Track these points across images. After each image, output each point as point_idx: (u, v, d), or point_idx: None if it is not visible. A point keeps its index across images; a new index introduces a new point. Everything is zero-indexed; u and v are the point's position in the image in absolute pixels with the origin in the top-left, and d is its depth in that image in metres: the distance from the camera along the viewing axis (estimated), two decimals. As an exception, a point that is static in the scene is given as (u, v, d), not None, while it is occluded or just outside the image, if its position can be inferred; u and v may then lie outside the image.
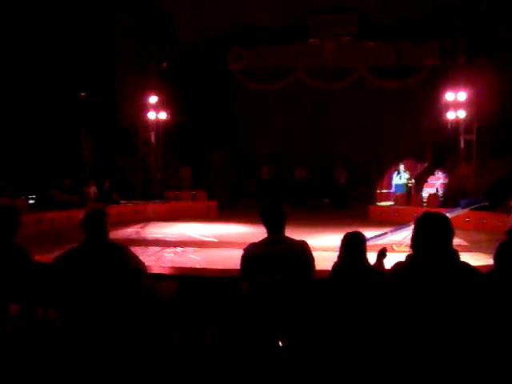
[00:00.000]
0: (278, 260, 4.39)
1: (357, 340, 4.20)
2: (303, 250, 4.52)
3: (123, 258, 4.35)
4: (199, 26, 19.87)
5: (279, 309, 4.31)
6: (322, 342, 4.32)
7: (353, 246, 4.74)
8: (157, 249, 12.66)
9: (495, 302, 3.56)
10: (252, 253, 4.53)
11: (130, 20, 20.17)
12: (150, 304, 4.47)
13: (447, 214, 4.17)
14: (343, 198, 20.72)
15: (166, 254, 12.13)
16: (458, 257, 3.53)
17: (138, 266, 4.49)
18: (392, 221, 15.39)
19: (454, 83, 18.84)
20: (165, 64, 20.62)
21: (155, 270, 6.44)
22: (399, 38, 20.69)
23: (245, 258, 4.56)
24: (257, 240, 4.64)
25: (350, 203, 20.47)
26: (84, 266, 4.20)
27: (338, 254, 4.83)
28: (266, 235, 4.58)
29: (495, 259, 3.82)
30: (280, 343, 4.15)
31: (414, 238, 3.61)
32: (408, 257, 3.66)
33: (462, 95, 18.46)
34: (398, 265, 3.71)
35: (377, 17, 19.91)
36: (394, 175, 19.11)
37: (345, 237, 4.81)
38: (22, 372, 4.02)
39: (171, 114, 20.53)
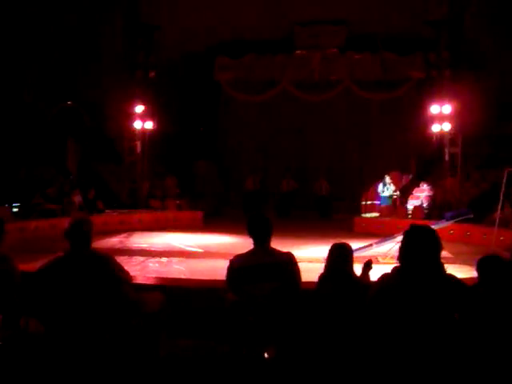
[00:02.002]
0: (265, 272, 4.39)
1: (343, 352, 4.19)
2: (289, 262, 4.52)
3: (107, 268, 4.31)
4: (186, 37, 19.86)
5: (265, 320, 4.30)
6: (307, 353, 4.31)
7: (340, 258, 4.75)
8: (141, 259, 12.57)
9: (480, 314, 3.57)
10: (238, 264, 4.52)
11: (116, 30, 20.13)
12: (135, 314, 4.43)
13: (432, 226, 4.18)
14: (326, 209, 20.74)
15: (151, 264, 12.05)
16: (444, 269, 3.54)
17: (123, 276, 4.46)
18: (377, 232, 15.42)
19: (439, 96, 18.96)
20: (152, 74, 20.59)
21: (140, 280, 6.40)
22: (385, 50, 20.83)
23: (231, 270, 4.55)
24: (242, 251, 4.63)
25: (334, 215, 20.49)
26: (68, 275, 4.16)
27: (324, 265, 4.84)
28: (251, 246, 4.58)
29: (478, 273, 3.86)
30: (265, 355, 4.14)
31: (401, 250, 3.62)
32: (394, 269, 3.67)
33: (447, 108, 18.59)
34: (385, 277, 3.71)
35: (363, 29, 20.03)
36: (380, 187, 19.15)
37: (332, 248, 4.81)
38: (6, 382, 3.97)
39: (157, 123, 20.49)
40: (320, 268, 4.87)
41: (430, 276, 3.47)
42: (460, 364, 3.39)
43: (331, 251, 4.79)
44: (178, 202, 19.98)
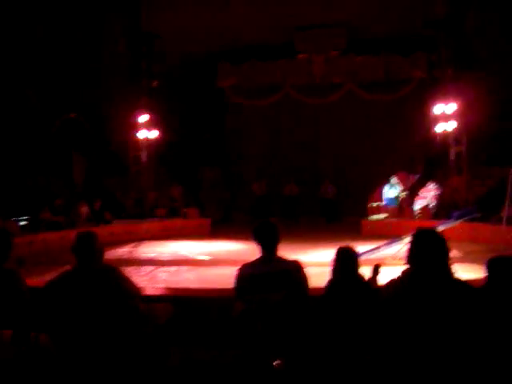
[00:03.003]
0: (272, 280, 4.37)
1: (353, 358, 4.17)
2: (297, 270, 4.51)
3: (116, 282, 4.30)
4: (188, 44, 19.90)
5: (274, 329, 4.28)
6: (317, 361, 4.29)
7: (347, 261, 4.74)
8: (150, 268, 12.59)
9: (488, 316, 3.55)
10: (246, 273, 4.51)
11: (118, 39, 20.20)
12: (144, 326, 4.43)
13: (440, 226, 4.15)
14: (333, 213, 20.71)
15: (160, 274, 12.06)
16: (452, 273, 3.52)
17: (132, 289, 4.45)
18: (384, 234, 15.36)
19: (443, 95, 18.93)
20: (155, 83, 20.63)
21: (149, 290, 6.39)
22: (387, 51, 20.84)
23: (239, 279, 4.54)
24: (251, 258, 4.62)
25: (341, 217, 20.47)
26: (76, 290, 4.16)
27: (330, 269, 4.82)
28: (259, 253, 4.56)
29: (488, 274, 3.83)
30: (274, 364, 4.12)
31: (409, 255, 3.60)
32: (403, 272, 3.65)
33: (450, 107, 18.56)
34: (393, 281, 3.69)
35: (364, 31, 20.03)
36: (386, 188, 19.11)
37: (337, 252, 4.80)
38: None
39: (162, 132, 20.52)
40: (328, 272, 4.85)
41: (439, 280, 3.46)
42: (468, 366, 3.37)
43: (338, 255, 4.78)
44: (184, 210, 19.99)
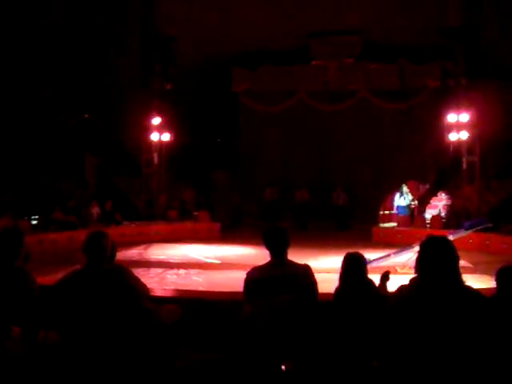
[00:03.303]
0: (281, 284, 4.37)
1: (360, 364, 4.16)
2: (306, 274, 4.51)
3: (125, 281, 4.31)
4: (202, 48, 19.99)
5: (282, 333, 4.28)
6: (324, 365, 4.29)
7: (353, 268, 4.74)
8: (159, 270, 12.63)
9: (499, 326, 3.53)
10: (255, 276, 4.51)
11: (133, 42, 20.30)
12: (152, 327, 4.43)
13: (450, 236, 4.15)
14: (344, 220, 20.67)
15: (169, 276, 12.11)
16: (462, 281, 3.51)
17: (141, 289, 4.46)
18: (395, 242, 15.33)
19: (456, 105, 18.88)
20: (168, 85, 20.70)
21: (158, 292, 6.41)
22: (401, 59, 20.82)
23: (248, 282, 4.54)
24: (260, 262, 4.63)
25: (352, 225, 20.42)
26: (86, 289, 4.17)
27: (339, 275, 4.83)
28: (268, 257, 4.57)
29: (497, 284, 3.82)
30: (283, 367, 4.12)
31: (418, 262, 3.59)
32: (412, 280, 3.64)
33: (464, 116, 18.50)
34: (403, 288, 3.68)
35: (379, 39, 20.03)
36: (397, 197, 19.07)
37: (345, 258, 4.81)
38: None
39: (174, 135, 20.58)
40: (337, 279, 4.85)
41: (448, 288, 3.44)
42: (478, 376, 3.35)
43: (346, 261, 4.78)
44: (195, 213, 20.02)
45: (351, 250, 4.98)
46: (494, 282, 4.03)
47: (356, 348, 4.31)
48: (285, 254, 4.53)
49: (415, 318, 3.45)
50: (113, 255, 4.62)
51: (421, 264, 3.56)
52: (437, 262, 3.47)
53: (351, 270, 4.74)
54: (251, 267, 4.63)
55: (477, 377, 3.34)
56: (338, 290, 4.78)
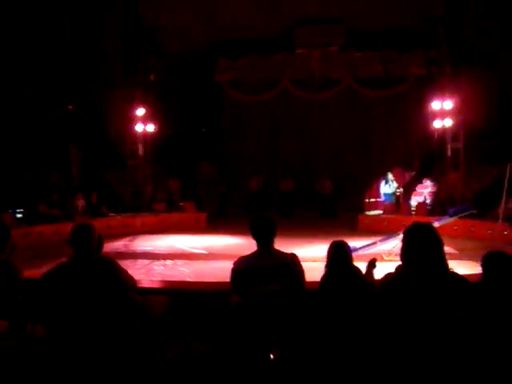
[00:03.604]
0: (268, 273, 4.39)
1: (348, 352, 4.19)
2: (293, 263, 4.53)
3: (112, 273, 4.31)
4: (185, 38, 19.87)
5: (269, 322, 4.30)
6: (312, 354, 4.31)
7: (338, 255, 4.77)
8: (146, 262, 12.61)
9: (485, 311, 3.57)
10: (242, 266, 4.52)
11: (116, 33, 20.16)
12: (140, 318, 4.44)
13: (435, 223, 4.18)
14: (330, 208, 20.71)
15: (156, 267, 12.09)
16: (447, 266, 3.54)
17: (128, 281, 4.46)
18: (381, 230, 15.37)
19: (440, 92, 18.94)
20: (152, 76, 20.60)
21: (145, 283, 6.41)
22: (385, 47, 20.83)
23: (235, 272, 4.55)
24: (247, 252, 4.64)
25: (338, 213, 20.46)
26: (73, 281, 4.17)
27: (324, 264, 4.85)
28: (255, 247, 4.58)
29: (483, 269, 3.86)
30: (271, 356, 4.14)
31: (402, 249, 3.62)
32: (398, 267, 3.67)
33: (448, 104, 18.56)
34: (389, 276, 3.71)
35: (363, 27, 20.01)
36: (382, 184, 19.13)
37: (330, 246, 4.84)
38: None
39: (159, 126, 20.51)
40: (324, 267, 4.87)
41: (433, 274, 3.47)
42: (464, 361, 3.39)
43: (331, 249, 4.81)
44: (181, 204, 20.00)
45: (337, 239, 5.00)
46: (479, 268, 4.06)
47: (343, 335, 4.34)
48: (272, 243, 4.55)
49: (402, 304, 3.48)
50: (99, 247, 4.62)
51: (405, 251, 3.59)
52: (421, 248, 3.50)
53: (336, 258, 4.77)
54: (238, 257, 4.64)
55: (462, 361, 3.37)
56: (323, 278, 4.80)
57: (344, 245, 4.86)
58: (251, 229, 4.55)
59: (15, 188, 16.89)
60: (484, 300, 3.62)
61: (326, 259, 4.85)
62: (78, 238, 4.30)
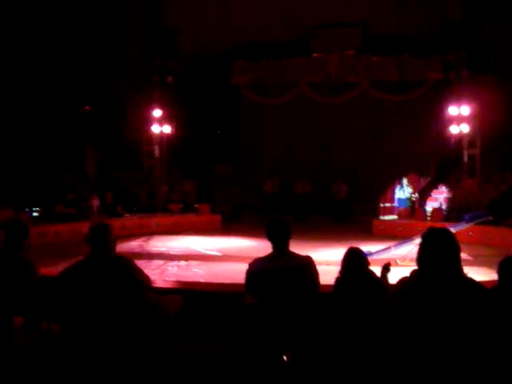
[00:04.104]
0: (283, 275, 4.39)
1: (361, 355, 4.19)
2: (308, 265, 4.53)
3: (128, 272, 4.34)
4: (203, 41, 19.96)
5: (283, 324, 4.30)
6: (326, 357, 4.31)
7: (354, 260, 4.76)
8: (160, 262, 12.64)
9: (500, 318, 3.55)
10: (257, 268, 4.53)
11: (135, 34, 20.28)
12: (155, 317, 4.46)
13: (451, 229, 4.18)
14: (345, 212, 20.67)
15: (170, 268, 12.11)
16: (463, 272, 3.53)
17: (143, 280, 4.49)
18: (395, 235, 15.34)
19: (458, 97, 18.86)
20: (169, 78, 20.68)
21: (159, 283, 6.44)
22: (402, 52, 20.77)
23: (249, 273, 4.56)
24: (261, 254, 4.64)
25: (353, 217, 20.42)
26: (89, 279, 4.20)
27: (339, 269, 4.85)
28: (269, 249, 4.58)
29: (499, 275, 3.84)
30: (284, 358, 4.15)
31: (420, 253, 3.61)
32: (413, 272, 3.66)
33: (465, 109, 18.48)
34: (404, 280, 3.71)
35: (380, 31, 19.98)
36: (397, 189, 19.08)
37: (347, 251, 4.83)
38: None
39: (175, 127, 20.59)
40: (338, 271, 4.87)
41: (449, 279, 3.46)
42: (478, 366, 3.38)
43: (347, 254, 4.80)
44: (196, 205, 20.05)
45: (352, 243, 5.01)
46: (494, 275, 4.04)
47: (356, 339, 4.33)
48: (287, 245, 4.55)
49: (417, 308, 3.47)
50: (114, 246, 4.66)
51: (423, 255, 3.58)
52: (439, 252, 3.49)
53: (353, 261, 4.76)
54: (252, 259, 4.65)
55: (477, 367, 3.37)
56: (338, 281, 4.79)
57: (360, 251, 4.85)
58: (266, 231, 4.55)
59: (32, 187, 17.02)
60: (499, 306, 3.61)
61: (341, 263, 4.83)
62: (96, 236, 4.33)
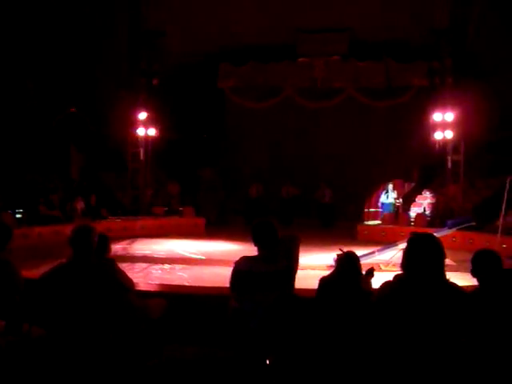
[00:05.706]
0: (272, 279, 4.38)
1: (344, 359, 4.19)
2: (290, 240, 4.54)
3: (111, 275, 4.32)
4: (189, 44, 19.91)
5: (267, 328, 4.29)
6: (309, 361, 4.31)
7: (353, 267, 4.77)
8: (144, 265, 12.59)
9: (480, 321, 3.58)
10: (244, 268, 4.51)
11: (120, 36, 20.20)
12: (138, 320, 4.44)
13: (434, 234, 4.20)
14: (330, 217, 20.71)
15: (154, 271, 12.07)
16: (445, 277, 3.56)
17: (126, 283, 4.47)
18: (379, 240, 15.41)
19: (442, 104, 18.98)
20: (155, 81, 20.62)
21: (143, 287, 6.42)
22: (388, 57, 20.84)
23: (236, 272, 4.55)
24: (245, 258, 4.63)
25: (336, 222, 20.45)
26: (71, 282, 4.17)
27: (331, 271, 4.85)
28: (253, 253, 4.57)
29: (474, 267, 3.91)
30: (267, 362, 4.14)
31: (405, 258, 3.63)
32: (396, 276, 3.68)
33: (449, 116, 18.61)
34: (387, 284, 3.72)
35: (366, 37, 20.06)
36: (382, 194, 19.16)
37: (348, 257, 4.84)
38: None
39: (160, 130, 20.53)
40: (322, 275, 4.87)
41: (432, 284, 3.48)
42: (460, 369, 3.40)
43: (347, 260, 4.79)
44: (180, 208, 20.01)
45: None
46: (476, 280, 4.10)
47: (340, 343, 4.34)
48: (273, 247, 4.54)
49: (398, 312, 3.49)
50: (106, 249, 4.64)
51: (408, 259, 3.60)
52: (424, 257, 3.52)
53: (350, 268, 4.75)
54: (240, 257, 4.62)
55: (459, 369, 3.38)
56: (324, 281, 4.78)
57: (353, 255, 4.86)
58: (252, 233, 4.54)
59: (15, 188, 16.91)
60: (480, 310, 3.64)
61: (335, 266, 4.82)
62: (79, 239, 4.30)
